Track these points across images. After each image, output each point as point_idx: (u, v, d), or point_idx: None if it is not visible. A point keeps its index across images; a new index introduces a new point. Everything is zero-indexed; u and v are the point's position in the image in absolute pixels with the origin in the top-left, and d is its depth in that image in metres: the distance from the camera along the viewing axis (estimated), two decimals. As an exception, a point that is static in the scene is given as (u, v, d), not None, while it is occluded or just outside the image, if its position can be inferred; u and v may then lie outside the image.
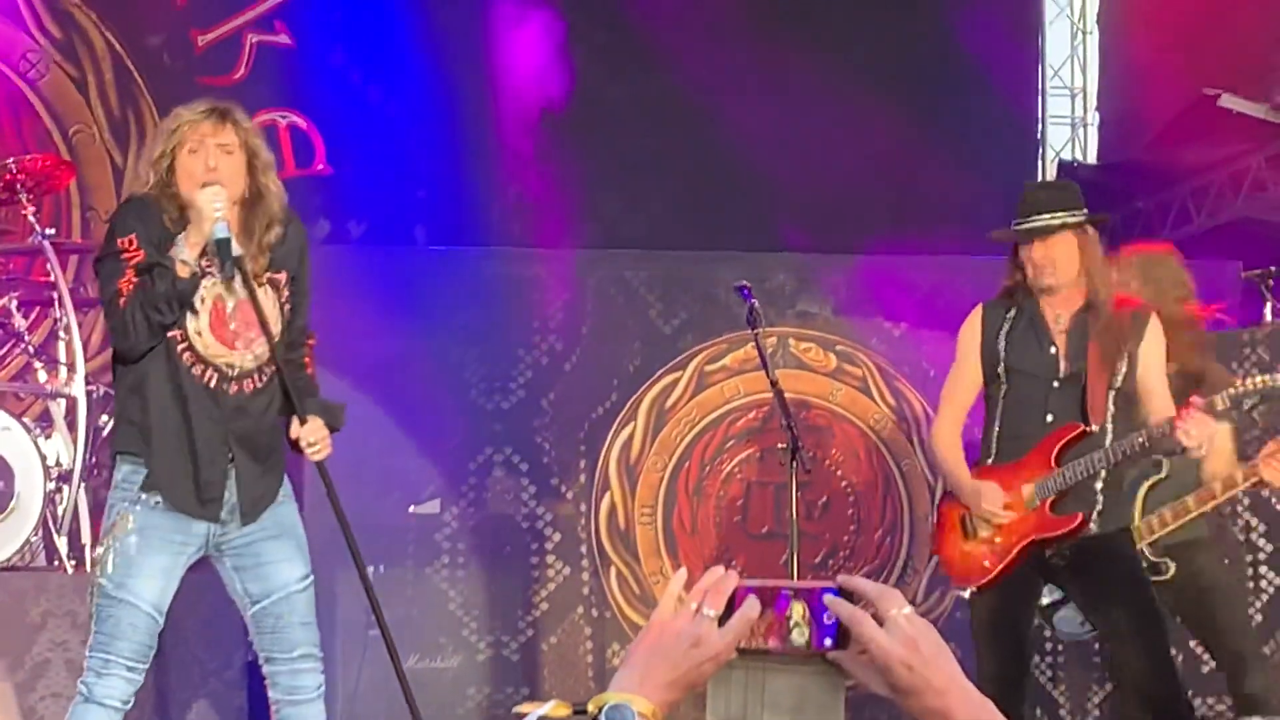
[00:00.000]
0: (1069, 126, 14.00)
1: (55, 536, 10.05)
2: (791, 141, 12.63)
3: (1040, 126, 13.96)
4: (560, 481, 10.92)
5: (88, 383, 10.36)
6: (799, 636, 2.76)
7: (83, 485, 10.27)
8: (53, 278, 10.46)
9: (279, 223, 7.10)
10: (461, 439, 10.84)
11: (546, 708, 3.05)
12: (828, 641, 2.76)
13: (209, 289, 7.01)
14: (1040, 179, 13.80)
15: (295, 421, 7.20)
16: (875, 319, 11.22)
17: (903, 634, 2.71)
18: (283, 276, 7.21)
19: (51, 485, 9.90)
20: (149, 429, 7.06)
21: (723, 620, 2.76)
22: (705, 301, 11.23)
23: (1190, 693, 9.03)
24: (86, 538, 10.36)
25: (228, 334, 7.08)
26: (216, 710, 9.71)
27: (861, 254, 11.60)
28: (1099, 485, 7.83)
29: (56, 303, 10.53)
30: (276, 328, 7.15)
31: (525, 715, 2.91)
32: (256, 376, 7.18)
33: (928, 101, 12.79)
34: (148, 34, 12.58)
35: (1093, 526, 7.82)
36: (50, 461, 9.91)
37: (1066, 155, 14.01)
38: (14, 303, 10.71)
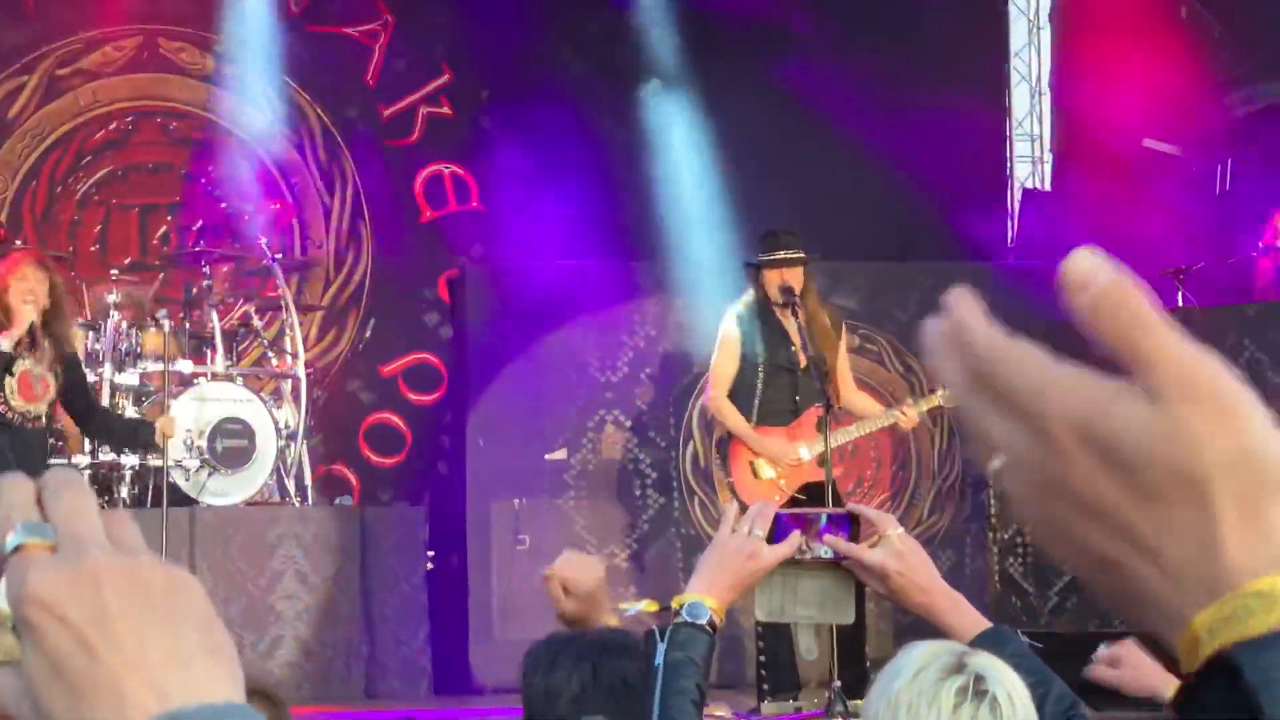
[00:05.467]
0: (1030, 163, 13.93)
1: (285, 480, 10.17)
2: (827, 182, 12.55)
3: (1009, 164, 13.89)
4: (655, 434, 10.95)
5: (307, 367, 10.47)
6: (807, 552, 2.83)
7: (304, 442, 10.39)
8: (280, 290, 10.57)
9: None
10: (582, 404, 10.87)
11: (641, 605, 3.07)
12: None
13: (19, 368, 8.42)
14: (1009, 203, 13.76)
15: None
16: (888, 309, 11.22)
17: (894, 549, 2.80)
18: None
19: (281, 442, 10.01)
20: None
21: (769, 539, 2.83)
22: (761, 299, 11.22)
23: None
24: (308, 480, 10.49)
25: (30, 393, 8.45)
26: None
27: (878, 261, 11.63)
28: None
29: (283, 308, 10.65)
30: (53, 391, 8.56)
31: (626, 610, 2.92)
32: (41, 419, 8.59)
33: (929, 149, 12.73)
34: (346, 108, 12.66)
35: (838, 472, 8.97)
36: (280, 425, 10.02)
37: (1029, 184, 13.93)
38: (253, 309, 10.83)
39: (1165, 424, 0.94)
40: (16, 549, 1.04)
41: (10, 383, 8.41)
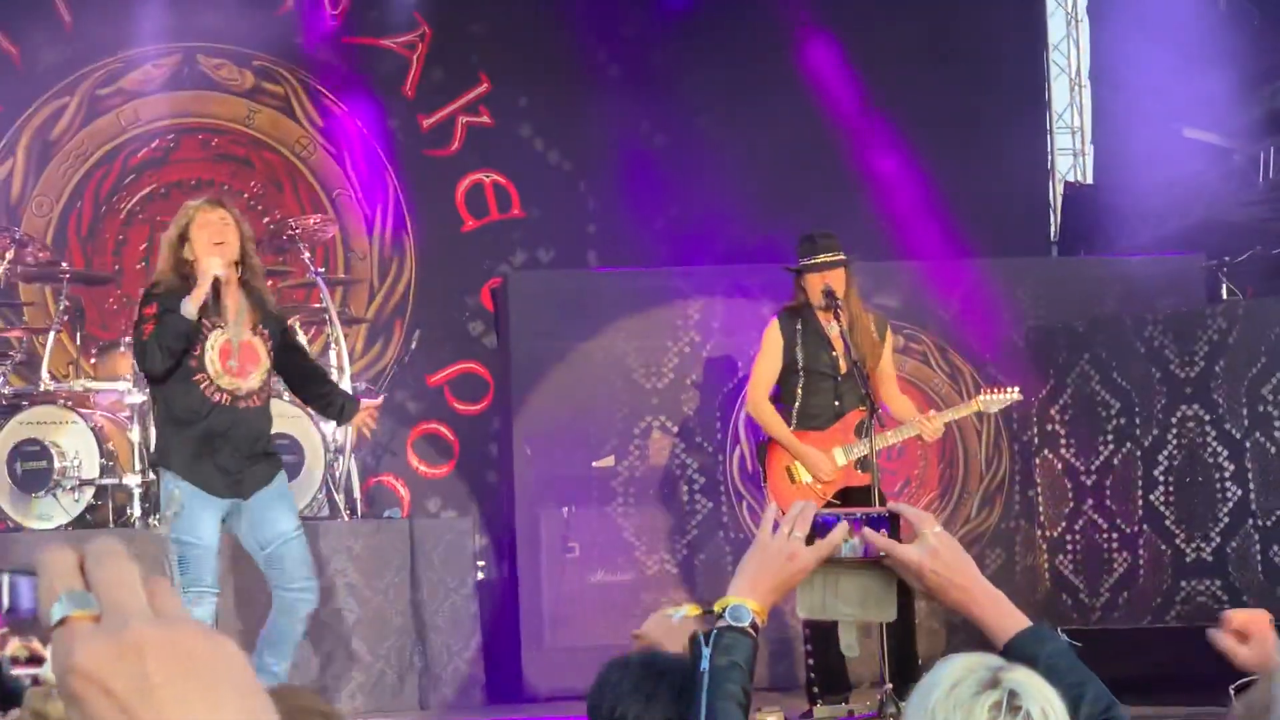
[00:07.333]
0: (1071, 156, 13.91)
1: (334, 494, 10.22)
2: (871, 182, 12.56)
3: (1050, 157, 13.86)
4: (702, 439, 10.94)
5: (353, 381, 10.52)
6: (847, 551, 2.86)
7: (352, 455, 10.44)
8: (324, 304, 10.62)
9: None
10: (628, 410, 10.88)
11: (684, 609, 3.11)
12: (883, 553, 2.86)
13: (218, 338, 7.37)
14: (1051, 197, 13.74)
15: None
16: (931, 308, 11.19)
17: (929, 547, 2.81)
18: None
19: (329, 456, 10.06)
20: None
21: (807, 540, 2.86)
22: (804, 300, 11.20)
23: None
24: (357, 493, 10.54)
25: (235, 366, 7.43)
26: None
27: (920, 261, 11.62)
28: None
29: (328, 321, 10.70)
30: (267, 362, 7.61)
31: (669, 614, 2.94)
32: (256, 396, 7.59)
33: (969, 143, 12.73)
34: (386, 119, 12.72)
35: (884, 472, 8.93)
36: (328, 438, 10.07)
37: (1071, 177, 13.90)
38: (297, 323, 10.88)
39: None
40: (62, 621, 1.07)
41: (212, 358, 7.28)
